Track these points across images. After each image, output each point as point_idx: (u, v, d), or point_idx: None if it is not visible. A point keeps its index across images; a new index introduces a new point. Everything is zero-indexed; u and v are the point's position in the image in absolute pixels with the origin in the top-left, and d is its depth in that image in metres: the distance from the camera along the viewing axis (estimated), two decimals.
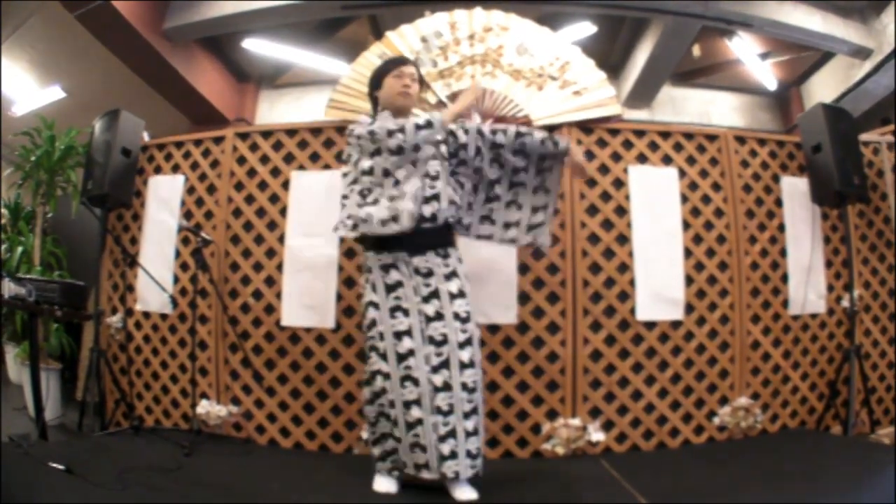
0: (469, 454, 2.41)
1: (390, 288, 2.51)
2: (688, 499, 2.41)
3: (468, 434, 2.41)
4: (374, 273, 2.55)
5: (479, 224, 2.84)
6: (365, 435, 3.22)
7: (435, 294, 2.50)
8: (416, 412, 2.39)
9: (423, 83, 2.96)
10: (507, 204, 2.83)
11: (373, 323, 2.51)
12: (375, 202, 2.56)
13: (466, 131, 2.74)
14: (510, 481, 2.75)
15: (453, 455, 2.38)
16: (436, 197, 2.56)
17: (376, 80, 2.79)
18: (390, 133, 2.55)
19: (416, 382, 2.40)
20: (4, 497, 2.04)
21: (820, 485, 2.40)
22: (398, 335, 2.45)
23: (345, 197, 2.69)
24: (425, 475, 2.39)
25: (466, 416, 2.42)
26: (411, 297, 2.49)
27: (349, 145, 2.71)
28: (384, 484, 2.52)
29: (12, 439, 2.76)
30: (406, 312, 2.47)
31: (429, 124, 2.57)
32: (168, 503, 2.26)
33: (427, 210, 2.53)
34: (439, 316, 2.47)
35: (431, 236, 2.56)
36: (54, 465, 2.33)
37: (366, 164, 2.60)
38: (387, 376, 2.44)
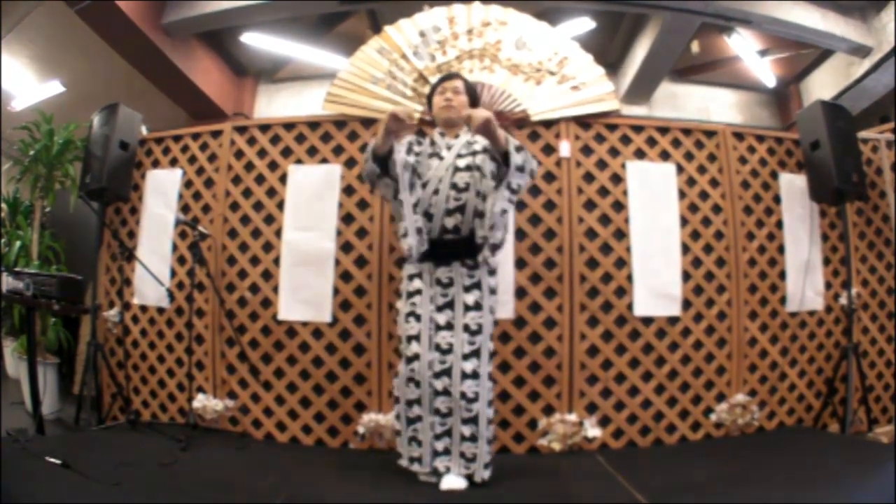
0: (463, 455, 2.55)
1: (410, 295, 2.66)
2: (684, 495, 2.41)
3: (464, 438, 2.54)
4: (404, 282, 2.73)
5: None
6: (361, 430, 3.26)
7: (450, 305, 2.61)
8: (416, 410, 2.57)
9: (472, 94, 2.92)
10: None
11: (399, 340, 2.70)
12: None
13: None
14: (506, 477, 2.74)
15: (446, 452, 2.55)
16: (460, 209, 2.65)
17: (428, 103, 3.00)
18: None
19: (417, 384, 2.55)
20: (2, 492, 2.04)
21: (817, 483, 2.39)
22: (409, 339, 2.61)
23: None
24: (416, 468, 2.58)
25: (465, 422, 2.54)
26: (426, 305, 2.62)
27: None
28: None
29: (9, 434, 2.75)
30: (418, 318, 2.60)
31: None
32: (164, 498, 2.25)
33: (449, 222, 2.65)
34: (449, 326, 2.59)
35: (455, 247, 2.66)
36: (51, 459, 2.33)
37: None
38: (397, 375, 2.65)
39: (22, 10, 5.68)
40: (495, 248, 2.64)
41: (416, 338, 2.58)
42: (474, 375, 2.54)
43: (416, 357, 2.55)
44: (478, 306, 2.61)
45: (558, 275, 3.38)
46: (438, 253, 2.65)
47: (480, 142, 2.72)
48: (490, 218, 2.58)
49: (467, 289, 2.62)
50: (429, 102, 2.98)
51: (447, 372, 2.53)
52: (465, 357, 2.54)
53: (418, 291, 2.64)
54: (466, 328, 2.57)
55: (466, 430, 2.53)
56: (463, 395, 2.52)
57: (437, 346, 2.56)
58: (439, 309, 2.60)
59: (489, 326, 2.64)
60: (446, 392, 2.52)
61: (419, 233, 2.62)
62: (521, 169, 2.57)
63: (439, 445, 2.54)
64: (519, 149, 2.58)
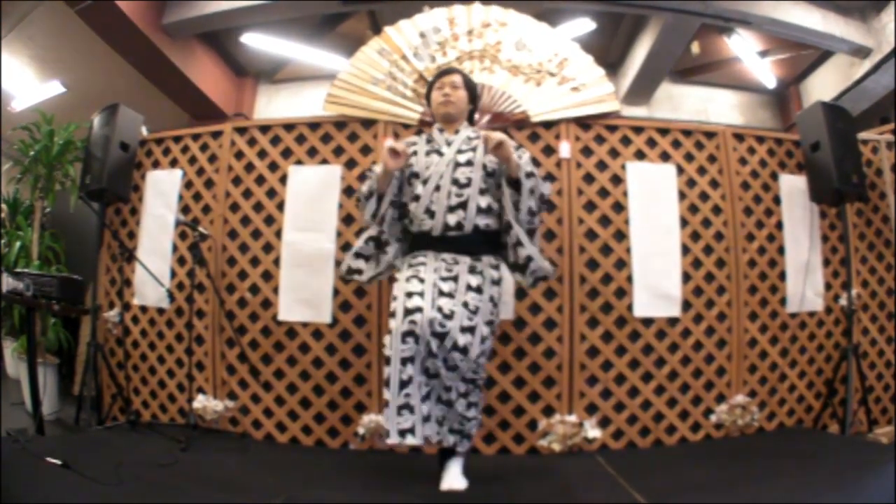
0: (434, 418, 2.43)
1: (412, 266, 2.58)
2: (684, 497, 2.40)
3: (440, 401, 2.45)
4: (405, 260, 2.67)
5: None
6: (361, 431, 3.26)
7: (453, 278, 2.52)
8: (409, 370, 2.34)
9: (471, 88, 2.90)
10: None
11: (393, 298, 2.52)
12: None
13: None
14: (506, 478, 2.75)
15: (428, 418, 2.39)
16: (462, 205, 2.61)
17: (427, 100, 2.95)
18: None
19: (416, 339, 2.34)
20: (2, 492, 2.04)
21: (817, 484, 2.38)
22: (409, 294, 2.43)
23: None
24: (409, 441, 2.34)
25: (444, 389, 2.45)
26: (430, 273, 2.52)
27: None
28: None
29: (10, 434, 2.75)
30: (421, 280, 2.48)
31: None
32: (164, 498, 2.25)
33: (452, 219, 2.60)
34: (451, 295, 2.46)
35: (460, 244, 2.62)
36: (51, 460, 2.32)
37: None
38: (391, 333, 2.41)
39: (22, 10, 5.68)
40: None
41: (420, 294, 2.42)
42: (464, 350, 2.41)
43: (417, 309, 2.37)
44: (479, 290, 2.53)
45: (558, 276, 3.37)
46: (441, 250, 2.61)
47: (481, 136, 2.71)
48: (537, 262, 2.62)
49: (471, 271, 2.56)
50: (427, 99, 2.94)
51: (443, 336, 2.37)
52: (463, 330, 2.42)
53: (423, 263, 2.57)
54: (465, 305, 2.47)
55: (443, 395, 2.45)
56: (445, 362, 2.40)
57: (440, 308, 2.40)
58: (443, 279, 2.50)
59: (487, 313, 2.53)
60: (437, 355, 2.39)
61: (367, 243, 2.74)
62: (531, 192, 2.58)
63: (425, 409, 2.38)
64: (530, 175, 2.58)
